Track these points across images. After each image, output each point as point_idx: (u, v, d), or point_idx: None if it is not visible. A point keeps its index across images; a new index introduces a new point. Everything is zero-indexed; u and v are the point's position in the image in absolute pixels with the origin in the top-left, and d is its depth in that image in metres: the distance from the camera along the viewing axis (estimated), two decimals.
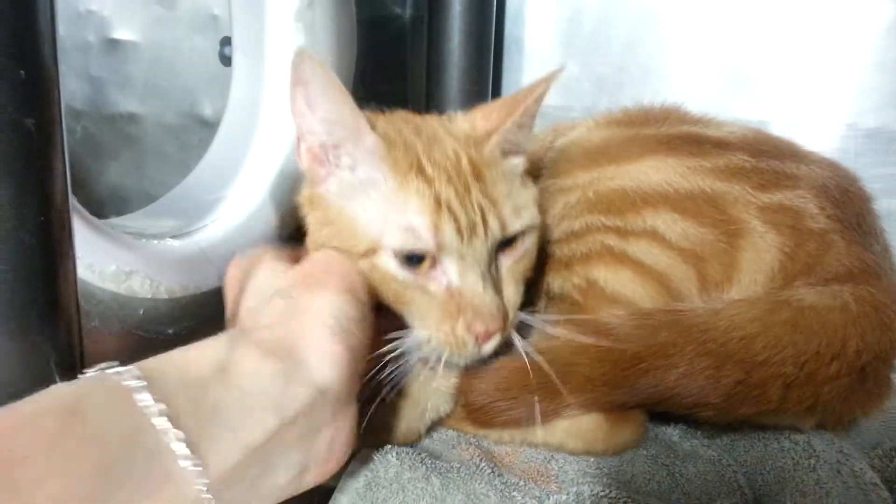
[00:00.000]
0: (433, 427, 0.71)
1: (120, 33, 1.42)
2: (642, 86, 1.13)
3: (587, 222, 0.72)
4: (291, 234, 0.87)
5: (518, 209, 0.65)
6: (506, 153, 0.67)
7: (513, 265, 0.66)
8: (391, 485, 0.63)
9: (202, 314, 0.75)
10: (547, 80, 0.65)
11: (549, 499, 0.62)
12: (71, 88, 1.46)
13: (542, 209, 0.74)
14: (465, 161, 0.63)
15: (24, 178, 0.41)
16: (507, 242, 0.65)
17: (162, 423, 0.41)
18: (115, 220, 0.80)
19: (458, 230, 0.60)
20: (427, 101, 1.14)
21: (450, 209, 0.60)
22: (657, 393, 0.64)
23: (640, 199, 0.71)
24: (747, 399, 0.63)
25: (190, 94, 1.40)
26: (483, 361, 0.65)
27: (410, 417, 0.68)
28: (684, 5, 1.10)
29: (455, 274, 0.62)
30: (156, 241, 0.73)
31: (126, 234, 0.70)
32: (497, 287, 0.64)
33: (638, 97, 1.12)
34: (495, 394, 0.66)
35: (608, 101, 1.16)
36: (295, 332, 0.53)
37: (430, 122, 0.69)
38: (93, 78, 1.46)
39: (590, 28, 1.15)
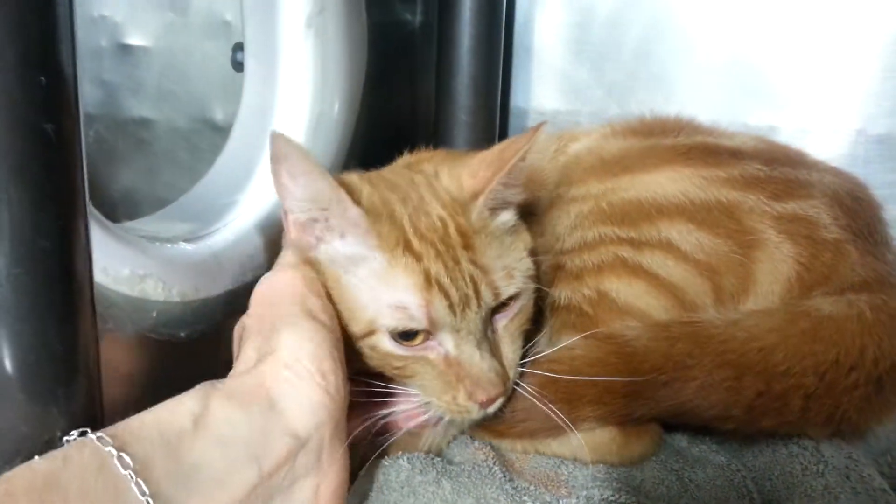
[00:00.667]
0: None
1: (132, 39, 1.44)
2: (652, 92, 1.13)
3: (600, 233, 0.72)
4: None
5: (510, 271, 0.64)
6: (494, 210, 0.65)
7: (508, 324, 0.65)
8: (402, 488, 0.63)
9: (214, 317, 0.75)
10: (529, 137, 0.63)
11: (559, 503, 0.63)
12: (84, 93, 1.46)
13: (545, 230, 0.75)
14: (452, 230, 0.62)
15: (44, 182, 0.41)
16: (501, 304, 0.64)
17: (140, 489, 0.41)
18: (128, 224, 0.80)
19: (450, 306, 0.59)
20: (436, 107, 1.14)
21: (440, 285, 0.59)
22: (676, 406, 0.64)
23: (656, 210, 0.71)
24: (769, 411, 0.63)
25: (201, 100, 1.41)
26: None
27: (434, 434, 0.69)
28: (694, 12, 1.10)
29: (451, 345, 0.61)
30: (169, 245, 0.74)
31: (139, 238, 0.70)
32: (495, 350, 0.63)
33: (648, 103, 1.13)
34: (511, 405, 0.66)
35: (617, 107, 1.16)
36: (266, 378, 0.51)
37: (418, 182, 0.67)
38: (105, 83, 1.47)
39: (599, 34, 1.15)
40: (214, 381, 0.51)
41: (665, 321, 0.67)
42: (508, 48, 1.19)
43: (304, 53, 0.93)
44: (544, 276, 0.74)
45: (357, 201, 0.60)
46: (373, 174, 0.71)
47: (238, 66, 1.01)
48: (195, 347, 0.73)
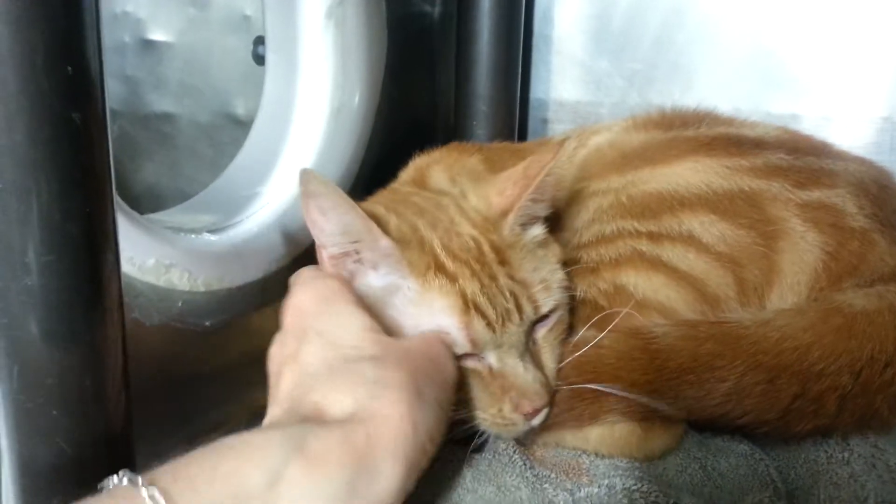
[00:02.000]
0: None
1: (155, 34, 1.45)
2: (673, 81, 1.13)
3: (619, 227, 0.71)
4: None
5: (548, 284, 0.64)
6: (524, 226, 0.66)
7: (548, 334, 0.65)
8: (423, 476, 0.63)
9: (238, 306, 0.76)
10: (554, 154, 0.63)
11: (580, 491, 0.63)
12: (108, 88, 1.49)
13: (564, 226, 0.74)
14: (486, 248, 0.62)
15: (71, 170, 0.42)
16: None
17: None
18: (154, 216, 0.81)
19: (489, 324, 0.59)
20: (456, 98, 1.14)
21: (476, 305, 0.59)
22: (707, 408, 0.63)
23: (678, 202, 0.70)
24: (805, 415, 0.62)
25: (223, 94, 1.43)
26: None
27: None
28: (714, 1, 1.09)
29: (494, 359, 0.61)
30: (193, 236, 0.75)
31: (165, 229, 0.72)
32: (537, 360, 0.63)
33: (668, 93, 1.12)
34: None
35: (638, 96, 1.15)
36: (373, 430, 0.45)
37: (445, 205, 0.67)
38: (129, 78, 1.49)
39: (619, 24, 1.15)
40: (304, 424, 0.44)
41: (693, 320, 0.66)
42: (528, 39, 1.19)
43: (325, 45, 0.94)
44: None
45: (386, 231, 0.60)
46: (397, 198, 0.71)
47: (259, 59, 1.02)
48: (220, 336, 0.74)
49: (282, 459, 0.40)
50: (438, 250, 0.61)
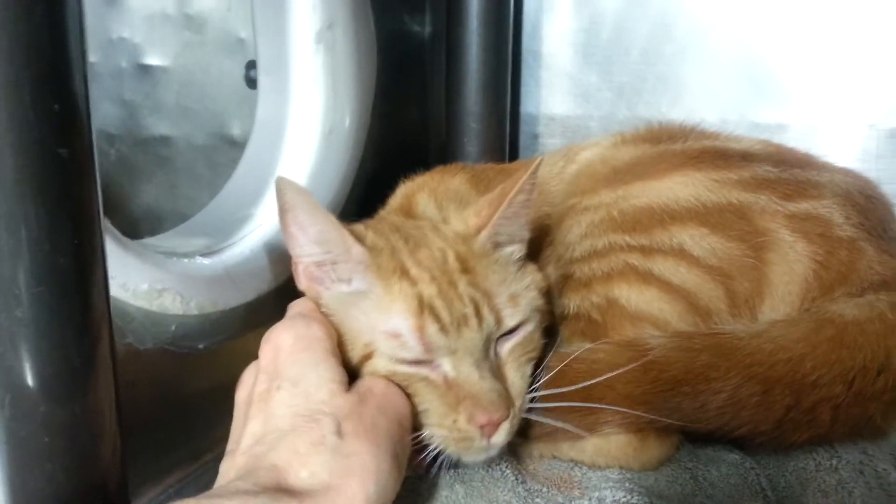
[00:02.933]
0: None
1: (151, 59, 1.47)
2: (661, 93, 1.14)
3: (610, 241, 0.72)
4: None
5: (515, 298, 0.64)
6: (500, 245, 0.67)
7: (514, 348, 0.64)
8: (415, 494, 0.64)
9: (231, 329, 0.77)
10: (527, 170, 0.64)
11: None
12: (105, 113, 1.50)
13: (555, 241, 0.75)
14: (451, 257, 0.63)
15: (60, 203, 0.43)
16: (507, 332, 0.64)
17: None
18: (147, 240, 0.82)
19: (442, 328, 0.59)
20: (446, 115, 1.15)
21: (432, 308, 0.59)
22: (703, 420, 0.63)
23: (668, 216, 0.71)
24: (800, 426, 0.63)
25: (219, 116, 1.44)
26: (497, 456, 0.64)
27: None
28: (701, 12, 1.10)
29: (449, 367, 0.60)
30: (186, 260, 0.76)
31: (157, 254, 0.72)
32: (499, 373, 0.63)
33: (656, 105, 1.13)
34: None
35: (626, 109, 1.16)
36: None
37: (422, 226, 0.69)
38: (126, 102, 1.50)
39: (607, 38, 1.16)
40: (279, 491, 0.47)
41: (688, 331, 0.67)
42: (517, 55, 1.21)
43: (315, 68, 0.95)
44: (556, 288, 0.75)
45: (361, 242, 0.62)
46: (376, 220, 0.73)
47: (251, 83, 1.03)
48: (214, 359, 0.75)
49: None
50: (405, 257, 0.63)
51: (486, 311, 0.61)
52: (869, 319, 0.64)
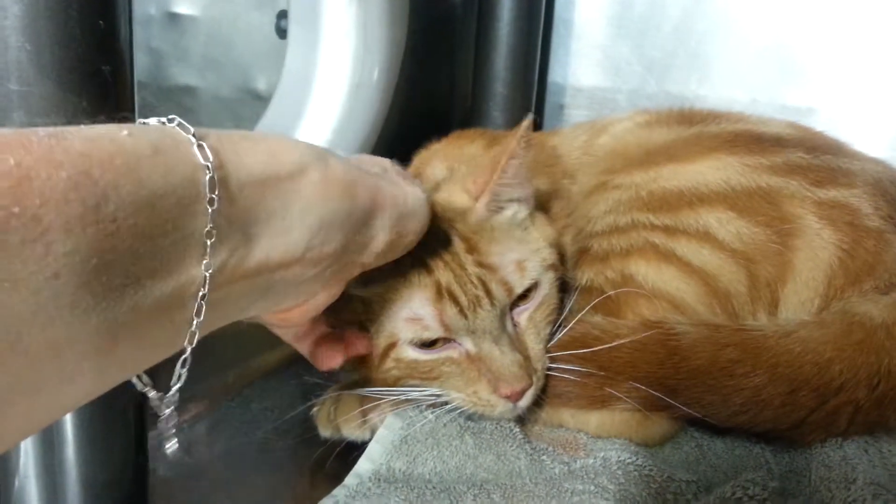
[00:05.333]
0: None
1: (180, 7, 1.47)
2: (690, 71, 1.13)
3: (633, 219, 0.72)
4: None
5: (522, 264, 0.64)
6: (501, 209, 0.66)
7: (532, 314, 0.65)
8: (426, 440, 0.65)
9: None
10: (516, 135, 0.63)
11: (576, 463, 0.64)
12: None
13: (584, 211, 0.74)
14: (455, 238, 0.63)
15: (100, 119, 0.44)
16: (520, 296, 0.64)
17: (211, 213, 0.36)
18: None
19: (461, 311, 0.60)
20: (474, 79, 1.15)
21: (450, 293, 0.60)
22: (724, 414, 0.63)
23: (697, 198, 0.70)
24: (818, 428, 0.63)
25: (245, 69, 1.44)
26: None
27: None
28: None
29: (470, 344, 0.62)
30: None
31: None
32: (518, 343, 0.64)
33: (685, 82, 1.12)
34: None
35: (655, 84, 1.16)
36: (377, 195, 0.48)
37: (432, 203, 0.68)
38: (153, 51, 1.51)
39: (640, 11, 1.15)
40: (326, 152, 0.46)
41: (715, 323, 0.66)
42: (548, 23, 1.20)
43: (347, 21, 0.95)
44: (570, 260, 0.74)
45: None
46: None
47: (282, 32, 1.03)
48: None
49: (310, 160, 0.43)
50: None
51: (494, 286, 0.62)
52: (895, 322, 0.64)
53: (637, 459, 0.63)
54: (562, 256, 0.71)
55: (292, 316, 0.51)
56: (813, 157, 0.73)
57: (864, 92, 1.03)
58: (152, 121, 0.39)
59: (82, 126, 0.33)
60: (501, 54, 1.12)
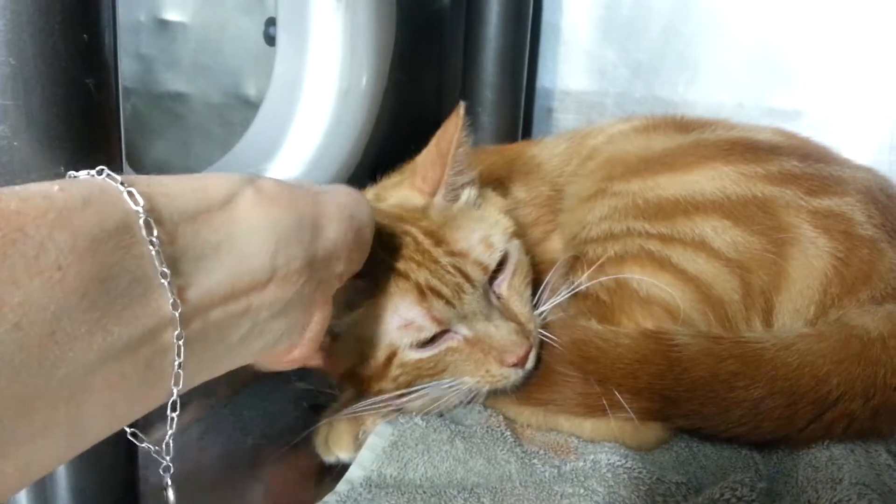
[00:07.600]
0: None
1: (170, 14, 1.47)
2: (678, 74, 1.13)
3: (629, 226, 0.72)
4: None
5: (488, 240, 0.66)
6: (456, 197, 0.68)
7: (511, 282, 0.67)
8: (417, 445, 0.65)
9: None
10: (455, 123, 0.65)
11: (566, 466, 0.65)
12: (121, 67, 1.50)
13: (576, 219, 0.75)
14: (420, 236, 0.64)
15: (84, 132, 0.44)
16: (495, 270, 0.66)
17: (155, 253, 0.37)
18: None
19: (447, 302, 0.62)
20: (462, 84, 1.15)
21: (432, 289, 0.62)
22: (722, 426, 0.64)
23: (692, 207, 0.71)
24: (815, 437, 0.64)
25: (235, 75, 1.44)
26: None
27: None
28: None
29: (465, 330, 0.63)
30: None
31: None
32: (507, 312, 0.66)
33: (673, 85, 1.13)
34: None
35: (643, 88, 1.16)
36: (316, 201, 0.48)
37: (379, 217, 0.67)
38: (143, 57, 1.50)
39: (627, 14, 1.15)
40: (255, 175, 0.47)
41: (715, 335, 0.67)
42: (536, 27, 1.20)
43: (335, 27, 0.96)
44: (564, 263, 0.75)
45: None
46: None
47: (270, 40, 1.03)
48: None
49: (238, 186, 0.43)
50: (386, 257, 0.63)
51: (469, 269, 0.63)
52: (891, 334, 0.65)
53: (627, 462, 0.63)
54: (516, 218, 0.73)
55: (302, 352, 0.50)
56: (806, 166, 0.74)
57: (851, 95, 1.04)
58: (82, 174, 0.39)
59: (17, 186, 0.34)
60: (490, 59, 1.12)
